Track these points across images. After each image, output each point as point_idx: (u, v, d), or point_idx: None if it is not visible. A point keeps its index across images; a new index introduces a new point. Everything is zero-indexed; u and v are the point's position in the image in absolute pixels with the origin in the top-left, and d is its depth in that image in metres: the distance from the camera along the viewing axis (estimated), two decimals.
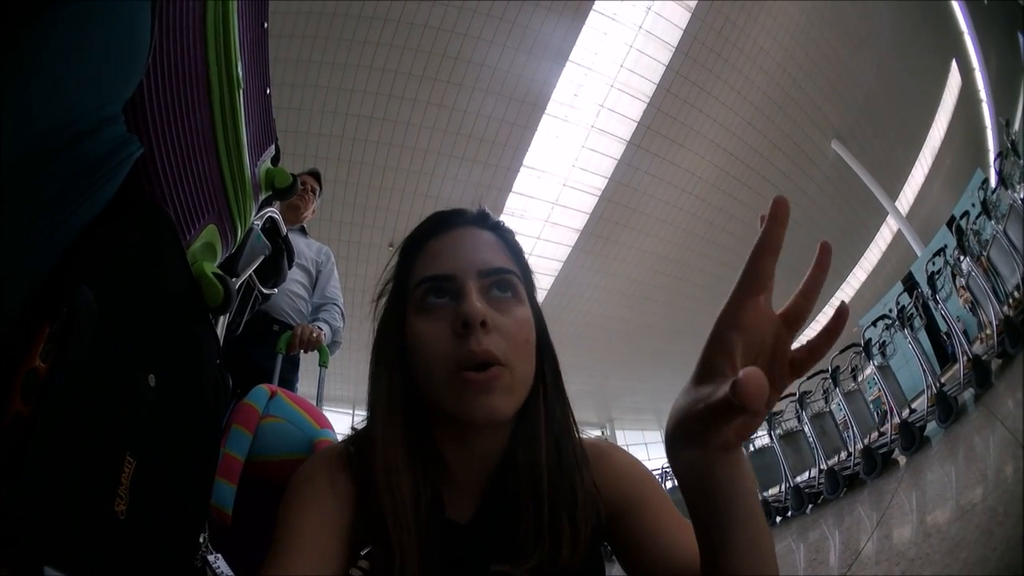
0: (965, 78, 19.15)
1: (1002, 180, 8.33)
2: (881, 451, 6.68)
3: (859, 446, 7.20)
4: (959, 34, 17.41)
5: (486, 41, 14.06)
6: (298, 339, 2.86)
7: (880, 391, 7.96)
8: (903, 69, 18.18)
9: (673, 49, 15.32)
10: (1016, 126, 12.37)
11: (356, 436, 1.03)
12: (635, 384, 28.35)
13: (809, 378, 9.48)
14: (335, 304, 3.49)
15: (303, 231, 3.69)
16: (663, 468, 19.89)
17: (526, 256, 1.11)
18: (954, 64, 18.81)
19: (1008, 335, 6.02)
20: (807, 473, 8.35)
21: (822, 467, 7.79)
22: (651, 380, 27.97)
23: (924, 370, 6.89)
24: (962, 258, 7.73)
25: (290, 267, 2.28)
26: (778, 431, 9.17)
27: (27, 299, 0.72)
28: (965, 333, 7.07)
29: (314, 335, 2.91)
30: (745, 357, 0.64)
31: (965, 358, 6.38)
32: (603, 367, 24.92)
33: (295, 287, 3.27)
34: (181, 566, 1.14)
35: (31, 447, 0.64)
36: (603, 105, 16.27)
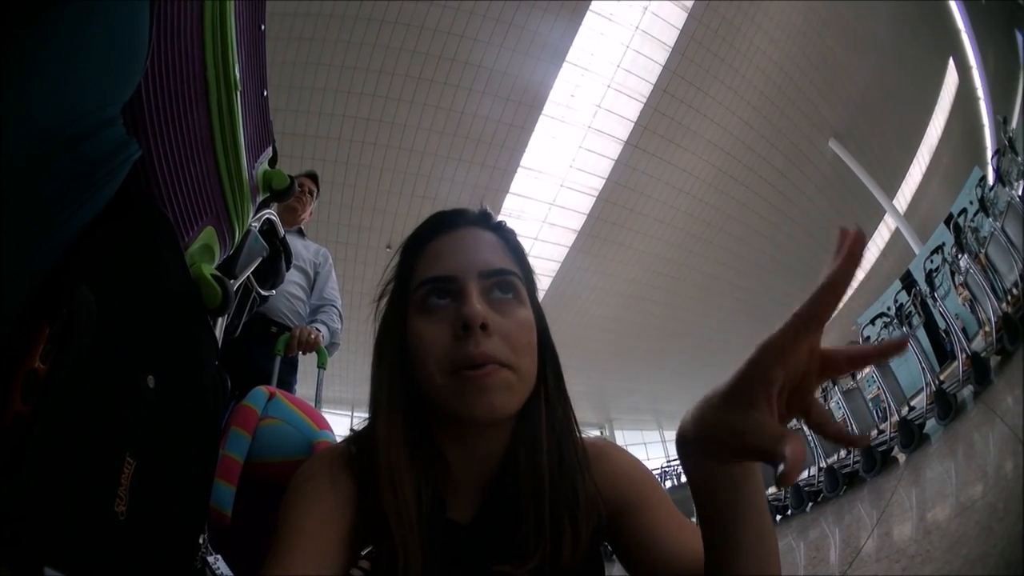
0: (962, 76, 19.18)
1: (1000, 177, 8.34)
2: (881, 449, 6.69)
3: None
4: (956, 32, 17.44)
5: (483, 42, 14.06)
6: (296, 341, 2.87)
7: (879, 389, 7.96)
8: (900, 68, 18.19)
9: (670, 49, 15.31)
10: (1014, 123, 12.38)
11: (357, 436, 1.03)
12: (634, 384, 28.35)
13: None
14: (333, 306, 3.49)
15: (301, 233, 3.69)
16: (662, 468, 19.92)
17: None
18: (951, 62, 18.83)
19: (1007, 332, 6.03)
20: (807, 471, 8.35)
21: (822, 465, 7.79)
22: (650, 381, 27.99)
23: (923, 368, 6.90)
24: (960, 256, 7.74)
25: (288, 269, 2.28)
26: None
27: (27, 299, 0.72)
28: (964, 330, 7.07)
29: (312, 337, 2.92)
30: (781, 392, 0.63)
31: (964, 355, 6.39)
32: (601, 368, 24.91)
33: (293, 289, 3.27)
34: (181, 567, 1.14)
35: (31, 447, 0.64)
36: (600, 106, 16.26)
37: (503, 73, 14.73)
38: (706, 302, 23.53)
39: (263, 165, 1.76)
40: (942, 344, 9.22)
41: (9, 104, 0.67)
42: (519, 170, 16.96)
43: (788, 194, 20.11)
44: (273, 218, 2.08)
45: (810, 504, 7.57)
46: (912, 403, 7.69)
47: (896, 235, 21.59)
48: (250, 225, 1.66)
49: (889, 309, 9.79)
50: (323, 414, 1.89)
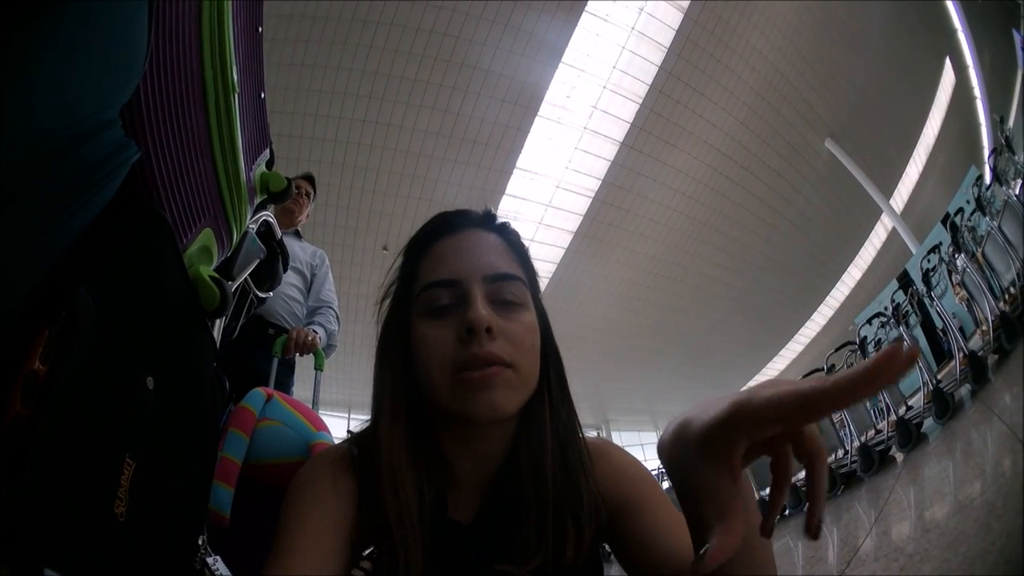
0: (959, 76, 19.24)
1: (996, 176, 8.35)
2: (878, 448, 6.69)
3: (856, 444, 7.20)
4: (953, 32, 17.49)
5: (479, 44, 14.07)
6: (293, 342, 2.87)
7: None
8: (897, 67, 18.22)
9: (666, 50, 15.33)
10: (1011, 122, 12.38)
11: (359, 437, 1.04)
12: (630, 385, 28.36)
13: (805, 376, 9.48)
14: (330, 307, 3.49)
15: (297, 235, 3.70)
16: (659, 468, 19.92)
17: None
18: (948, 61, 18.87)
19: (1004, 331, 6.03)
20: (804, 471, 8.34)
21: None
22: (646, 381, 28.01)
23: (920, 367, 6.89)
24: (957, 255, 7.74)
25: (285, 271, 2.28)
26: None
27: (27, 301, 0.72)
28: (961, 330, 7.08)
29: (309, 338, 2.92)
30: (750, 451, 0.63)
31: (961, 354, 6.39)
32: (598, 368, 24.92)
33: (290, 290, 3.28)
34: (180, 568, 1.14)
35: (31, 449, 0.64)
36: (596, 107, 16.28)
37: (499, 74, 14.75)
38: (702, 302, 23.55)
39: (260, 167, 1.76)
40: (939, 343, 9.23)
41: (9, 105, 0.67)
42: (515, 171, 16.99)
43: (784, 194, 20.13)
44: (270, 220, 2.08)
45: (807, 504, 7.55)
46: (910, 402, 7.70)
47: (893, 234, 21.66)
48: (248, 227, 1.66)
49: (886, 309, 9.78)
50: (320, 416, 1.89)
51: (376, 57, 13.77)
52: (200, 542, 1.26)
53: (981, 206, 7.82)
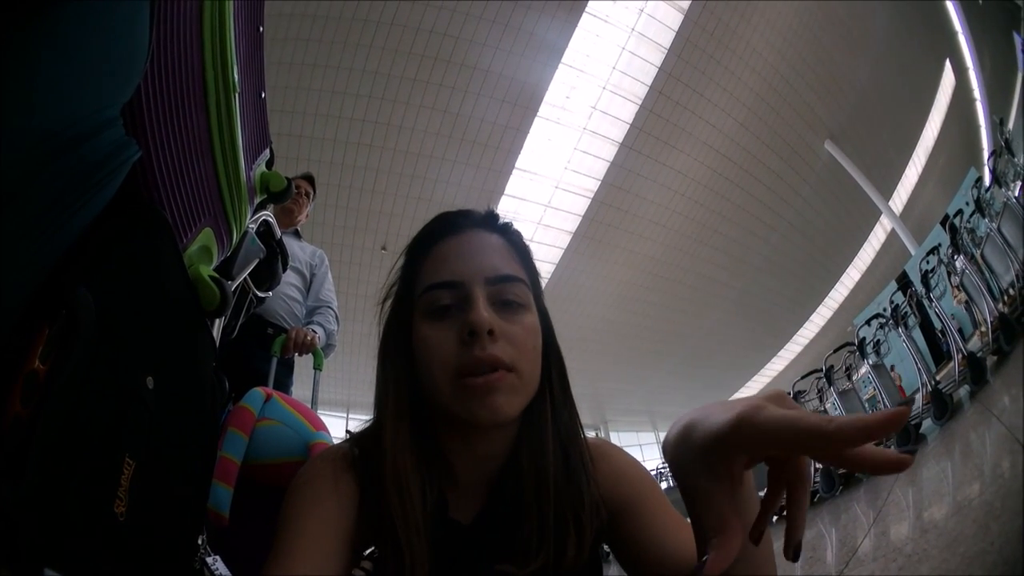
0: (959, 77, 19.24)
1: (996, 178, 8.35)
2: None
3: None
4: (953, 34, 17.49)
5: (479, 44, 14.06)
6: (292, 342, 2.87)
7: (875, 390, 7.97)
8: (896, 69, 18.23)
9: (665, 51, 15.33)
10: (1010, 124, 12.38)
11: (360, 437, 1.03)
12: (629, 386, 28.37)
13: (803, 377, 9.50)
14: (329, 307, 3.49)
15: (297, 234, 3.70)
16: (658, 469, 19.91)
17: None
18: (948, 64, 18.87)
19: (1003, 332, 6.04)
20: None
21: (817, 465, 7.79)
22: (645, 382, 28.02)
23: (919, 368, 6.91)
24: (956, 256, 7.75)
25: (284, 270, 2.28)
26: None
27: (27, 301, 0.72)
28: (960, 331, 7.09)
29: (308, 338, 2.92)
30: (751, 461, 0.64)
31: (960, 355, 6.40)
32: (597, 369, 24.92)
33: (289, 290, 3.27)
34: (180, 567, 1.14)
35: (31, 449, 0.64)
36: (595, 107, 16.28)
37: (499, 75, 14.74)
38: (701, 303, 23.55)
39: (260, 167, 1.75)
40: (938, 344, 9.24)
41: (9, 105, 0.67)
42: (514, 172, 16.99)
43: (783, 195, 20.14)
44: (270, 220, 2.08)
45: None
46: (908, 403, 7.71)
47: (892, 236, 21.66)
48: (247, 227, 1.66)
49: (885, 310, 9.79)
50: (319, 415, 1.89)
51: (376, 57, 13.76)
52: (200, 542, 1.26)
53: (980, 208, 7.82)
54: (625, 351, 25.33)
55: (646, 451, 32.43)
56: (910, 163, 22.11)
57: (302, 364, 3.18)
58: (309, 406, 1.96)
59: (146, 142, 1.00)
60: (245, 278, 1.86)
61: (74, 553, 0.72)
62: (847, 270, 25.33)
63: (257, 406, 1.69)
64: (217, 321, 1.63)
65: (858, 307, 20.45)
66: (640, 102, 16.28)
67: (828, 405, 8.93)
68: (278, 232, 2.15)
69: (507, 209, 16.71)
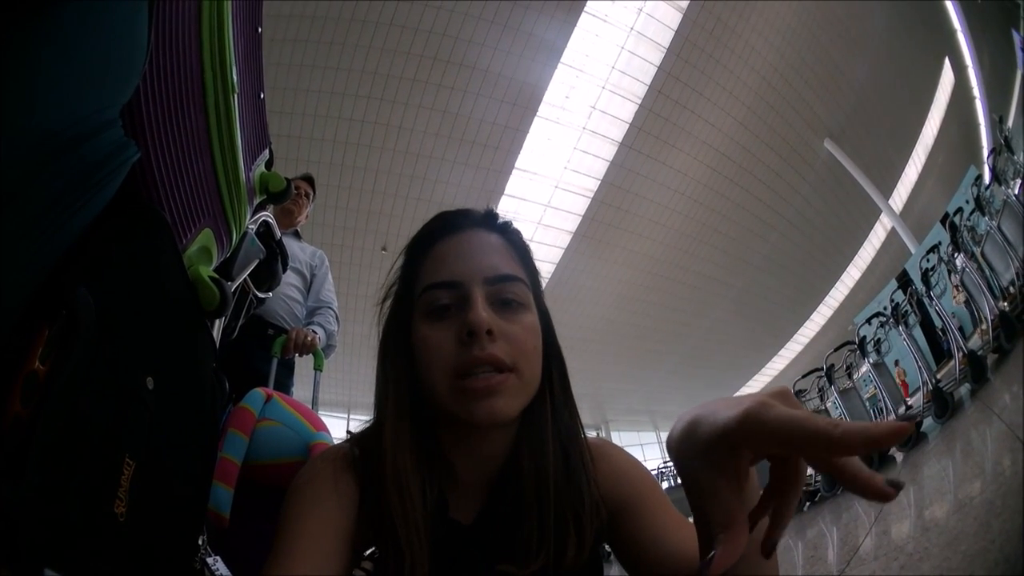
0: (958, 76, 19.26)
1: (996, 176, 8.36)
2: None
3: None
4: (952, 32, 17.50)
5: (478, 44, 14.06)
6: (293, 343, 2.87)
7: (875, 389, 7.97)
8: (896, 68, 18.24)
9: (664, 50, 15.32)
10: (1010, 122, 12.39)
11: (360, 437, 1.03)
12: (629, 385, 28.38)
13: (804, 376, 9.51)
14: (329, 308, 3.49)
15: (297, 235, 3.70)
16: (659, 469, 19.94)
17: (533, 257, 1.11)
18: (947, 62, 18.89)
19: (1004, 330, 6.05)
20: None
21: None
22: (645, 381, 28.03)
23: (920, 366, 6.91)
24: (956, 254, 7.76)
25: (284, 271, 2.28)
26: None
27: (26, 301, 0.72)
28: (960, 329, 7.08)
29: (309, 339, 2.91)
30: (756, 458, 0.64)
31: (960, 354, 6.41)
32: (597, 369, 24.92)
33: (289, 291, 3.27)
34: (180, 568, 1.14)
35: (31, 449, 0.64)
36: (595, 107, 16.28)
37: (498, 75, 14.74)
38: (701, 302, 23.55)
39: (260, 167, 1.75)
40: (939, 343, 9.25)
41: (9, 105, 0.67)
42: (514, 172, 16.99)
43: (783, 194, 20.14)
44: (269, 220, 2.08)
45: (807, 504, 7.57)
46: (909, 402, 7.71)
47: (892, 234, 21.67)
48: (247, 227, 1.66)
49: (885, 308, 9.79)
50: (320, 416, 1.89)
51: (375, 57, 13.76)
52: (200, 542, 1.26)
53: (980, 206, 7.83)
54: (626, 350, 25.33)
55: (647, 451, 32.45)
56: (910, 161, 22.12)
57: (302, 365, 3.18)
58: (309, 407, 1.96)
59: (145, 143, 1.00)
60: (245, 279, 1.86)
61: (74, 553, 0.72)
62: (847, 269, 25.34)
63: (257, 407, 1.69)
64: (217, 322, 1.63)
65: (858, 306, 20.47)
66: (639, 101, 16.28)
67: (829, 404, 8.94)
68: (278, 233, 2.15)
69: (507, 209, 16.65)
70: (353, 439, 1.04)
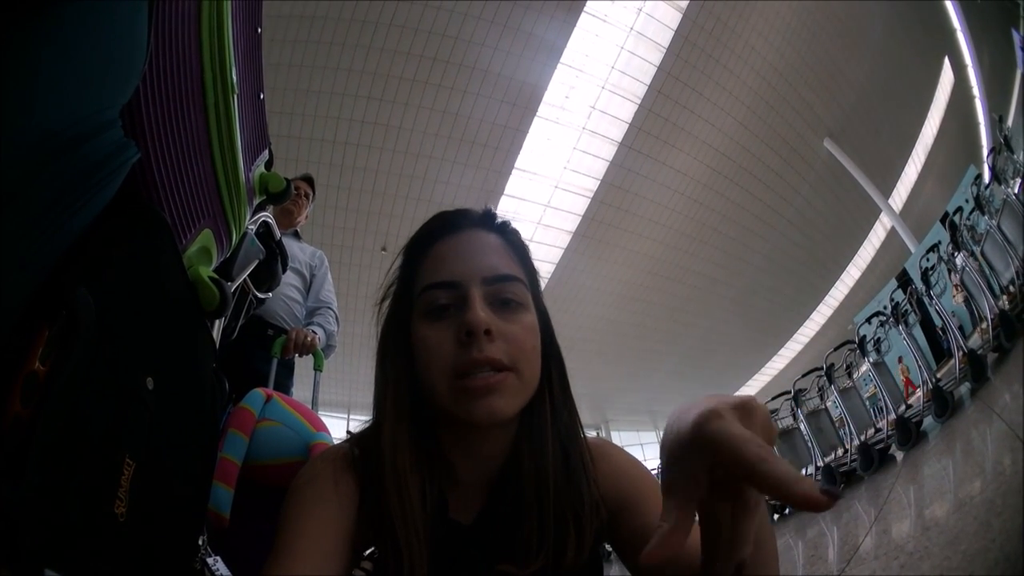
0: (958, 75, 19.28)
1: (995, 175, 8.36)
2: (878, 447, 6.69)
3: (855, 442, 7.21)
4: (952, 32, 17.52)
5: (478, 44, 14.07)
6: (293, 343, 2.86)
7: (876, 388, 7.97)
8: (895, 67, 18.25)
9: (664, 50, 15.33)
10: (1009, 121, 12.40)
11: (360, 437, 1.03)
12: (629, 385, 28.38)
13: (804, 376, 9.51)
14: (329, 308, 3.48)
15: (296, 235, 3.70)
16: (659, 468, 19.99)
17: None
18: (947, 61, 18.90)
19: (1003, 329, 6.04)
20: (803, 470, 8.36)
21: (819, 464, 7.81)
22: (645, 381, 28.03)
23: (919, 366, 6.91)
24: (956, 254, 7.76)
25: (284, 271, 2.27)
26: None
27: (26, 302, 0.72)
28: (960, 328, 7.08)
29: (308, 339, 2.91)
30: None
31: (960, 353, 6.40)
32: (597, 369, 24.92)
33: (289, 291, 3.27)
34: (180, 568, 1.14)
35: (31, 449, 0.64)
36: (594, 107, 16.28)
37: (498, 75, 14.75)
38: (701, 302, 23.56)
39: (259, 168, 1.75)
40: (939, 342, 9.25)
41: (9, 105, 0.67)
42: (514, 172, 17.00)
43: (783, 194, 20.15)
44: (269, 221, 2.08)
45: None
46: (909, 401, 7.71)
47: (892, 234, 21.68)
48: (247, 227, 1.66)
49: (885, 308, 9.80)
50: (320, 416, 1.89)
51: (375, 58, 13.76)
52: (200, 542, 1.26)
53: (980, 205, 7.82)
54: (625, 350, 25.33)
55: (647, 451, 32.42)
56: (909, 161, 22.14)
57: (302, 365, 3.18)
58: (309, 407, 1.96)
59: (145, 143, 1.00)
60: (245, 279, 1.86)
61: (74, 553, 0.72)
62: (847, 268, 25.35)
63: (257, 407, 1.69)
64: (217, 322, 1.63)
65: (858, 305, 20.49)
66: (639, 101, 16.29)
67: (829, 403, 8.94)
68: (278, 233, 2.15)
69: (507, 209, 16.75)
70: (353, 439, 1.04)
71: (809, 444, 8.31)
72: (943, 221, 10.14)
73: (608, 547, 1.07)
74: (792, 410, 9.03)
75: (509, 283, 0.98)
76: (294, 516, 0.90)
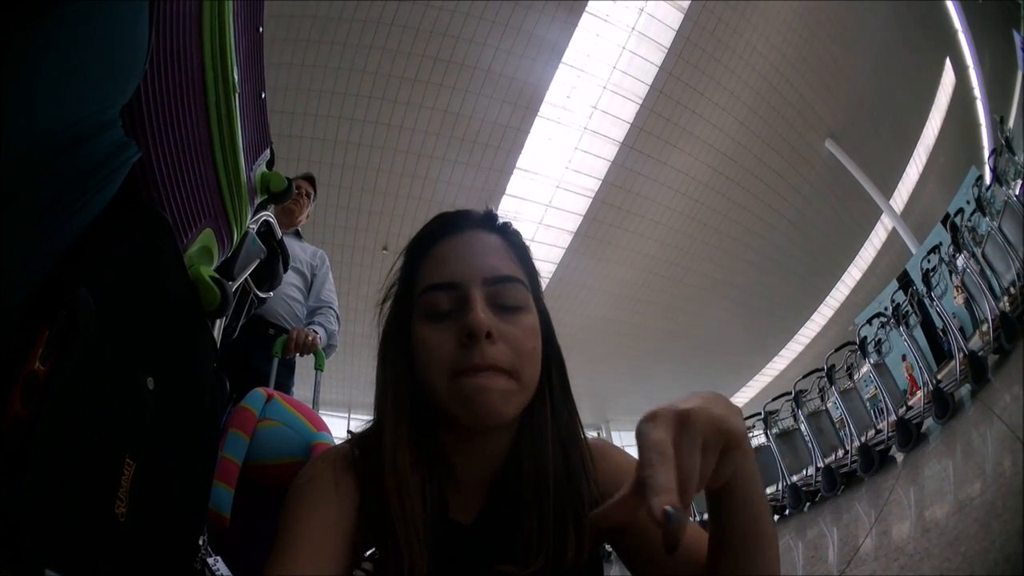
0: (959, 76, 19.25)
1: (997, 177, 8.35)
2: (878, 448, 6.70)
3: (856, 444, 7.21)
4: (953, 32, 17.50)
5: (479, 44, 14.07)
6: (293, 343, 2.86)
7: (876, 389, 7.97)
8: (897, 67, 18.23)
9: (666, 50, 15.33)
10: (1011, 123, 12.39)
11: (361, 437, 1.03)
12: (630, 385, 28.34)
13: (805, 377, 9.52)
14: (330, 307, 3.48)
15: (298, 235, 3.69)
16: None
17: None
18: (948, 62, 18.88)
19: (1004, 331, 6.04)
20: (804, 471, 8.37)
21: (819, 465, 7.80)
22: (646, 381, 27.97)
23: (920, 367, 6.91)
24: (957, 255, 7.76)
25: (285, 271, 2.28)
26: (774, 430, 9.20)
27: (26, 301, 0.72)
28: (961, 330, 7.08)
29: (309, 339, 2.91)
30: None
31: (961, 354, 6.40)
32: (598, 368, 24.90)
33: (290, 291, 3.27)
34: (181, 568, 1.14)
35: (31, 449, 0.64)
36: (596, 107, 16.28)
37: (499, 75, 14.74)
38: (702, 302, 23.55)
39: (261, 167, 1.75)
40: (939, 343, 9.25)
41: (9, 105, 0.67)
42: (515, 171, 16.99)
43: (784, 194, 20.13)
44: (271, 220, 2.08)
45: (808, 504, 7.58)
46: (909, 402, 7.71)
47: (893, 235, 21.66)
48: (248, 227, 1.66)
49: (886, 309, 9.79)
50: (321, 416, 1.89)
51: (376, 57, 13.76)
52: (200, 542, 1.26)
53: (981, 206, 7.82)
54: (626, 350, 25.32)
55: None
56: (911, 162, 22.12)
57: (303, 364, 3.18)
58: (310, 406, 1.96)
59: (146, 143, 1.00)
60: (246, 278, 1.86)
61: (74, 553, 0.72)
62: (848, 269, 25.33)
63: (258, 407, 1.69)
64: (218, 322, 1.63)
65: (859, 306, 20.49)
66: (641, 101, 16.28)
67: (830, 404, 8.94)
68: (279, 232, 2.15)
69: (508, 209, 16.74)
70: (354, 439, 1.04)
71: (810, 445, 8.31)
72: (944, 222, 10.15)
73: (608, 547, 1.07)
74: (793, 411, 9.04)
75: (510, 284, 0.98)
76: (295, 516, 0.90)
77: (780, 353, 29.30)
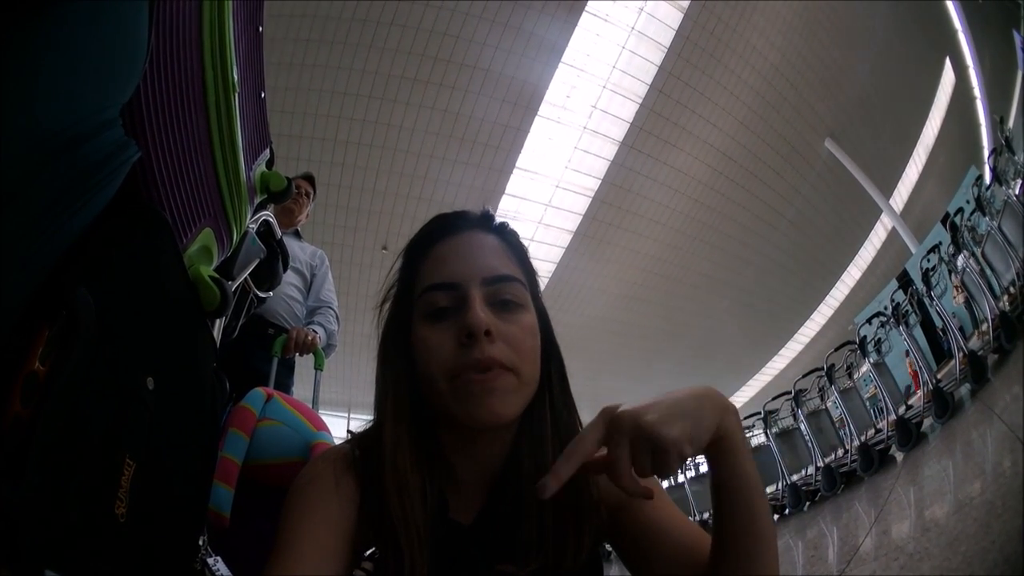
0: (959, 76, 19.27)
1: (996, 176, 8.35)
2: (878, 448, 6.69)
3: (856, 443, 7.20)
4: (953, 32, 17.52)
5: (479, 44, 14.07)
6: (293, 342, 2.86)
7: (876, 388, 7.97)
8: (897, 67, 18.24)
9: (665, 50, 15.34)
10: (1010, 122, 12.39)
11: (361, 438, 1.03)
12: (629, 385, 28.32)
13: (804, 376, 9.52)
14: (330, 307, 3.48)
15: (297, 234, 3.69)
16: None
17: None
18: (948, 62, 18.89)
19: (1004, 330, 6.04)
20: (804, 471, 8.37)
21: (819, 464, 7.80)
22: (646, 380, 27.95)
23: (920, 367, 6.90)
24: (957, 255, 7.76)
25: (285, 270, 2.28)
26: (774, 430, 9.20)
27: (26, 302, 0.72)
28: (961, 329, 7.08)
29: (309, 338, 2.91)
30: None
31: (961, 354, 6.40)
32: (597, 368, 24.88)
33: (290, 290, 3.27)
34: (181, 568, 1.14)
35: (31, 449, 0.64)
36: (595, 106, 16.29)
37: (499, 74, 14.75)
38: (702, 302, 23.55)
39: (260, 167, 1.75)
40: (939, 343, 9.24)
41: (9, 105, 0.66)
42: (515, 171, 16.99)
43: (784, 194, 20.14)
44: (270, 220, 2.08)
45: (808, 503, 7.58)
46: (909, 402, 7.71)
47: (893, 234, 21.67)
48: (247, 227, 1.66)
49: (886, 308, 9.79)
50: (320, 416, 1.89)
51: (376, 57, 13.77)
52: (200, 542, 1.26)
53: (981, 206, 7.82)
54: (626, 350, 25.33)
55: None
56: (910, 161, 22.13)
57: (303, 364, 3.17)
58: (310, 406, 1.96)
59: (146, 142, 1.00)
60: (246, 278, 1.86)
61: (74, 554, 0.72)
62: (848, 268, 25.34)
63: (258, 406, 1.69)
64: (217, 321, 1.63)
65: (859, 305, 20.49)
66: (640, 101, 16.30)
67: (830, 404, 8.94)
68: (278, 232, 2.15)
69: (508, 208, 16.74)
70: (354, 439, 1.04)
71: (809, 444, 8.30)
72: (944, 222, 10.15)
73: (608, 547, 1.07)
74: (792, 410, 9.03)
75: (508, 283, 0.98)
76: (295, 516, 0.90)
77: (780, 352, 29.31)
